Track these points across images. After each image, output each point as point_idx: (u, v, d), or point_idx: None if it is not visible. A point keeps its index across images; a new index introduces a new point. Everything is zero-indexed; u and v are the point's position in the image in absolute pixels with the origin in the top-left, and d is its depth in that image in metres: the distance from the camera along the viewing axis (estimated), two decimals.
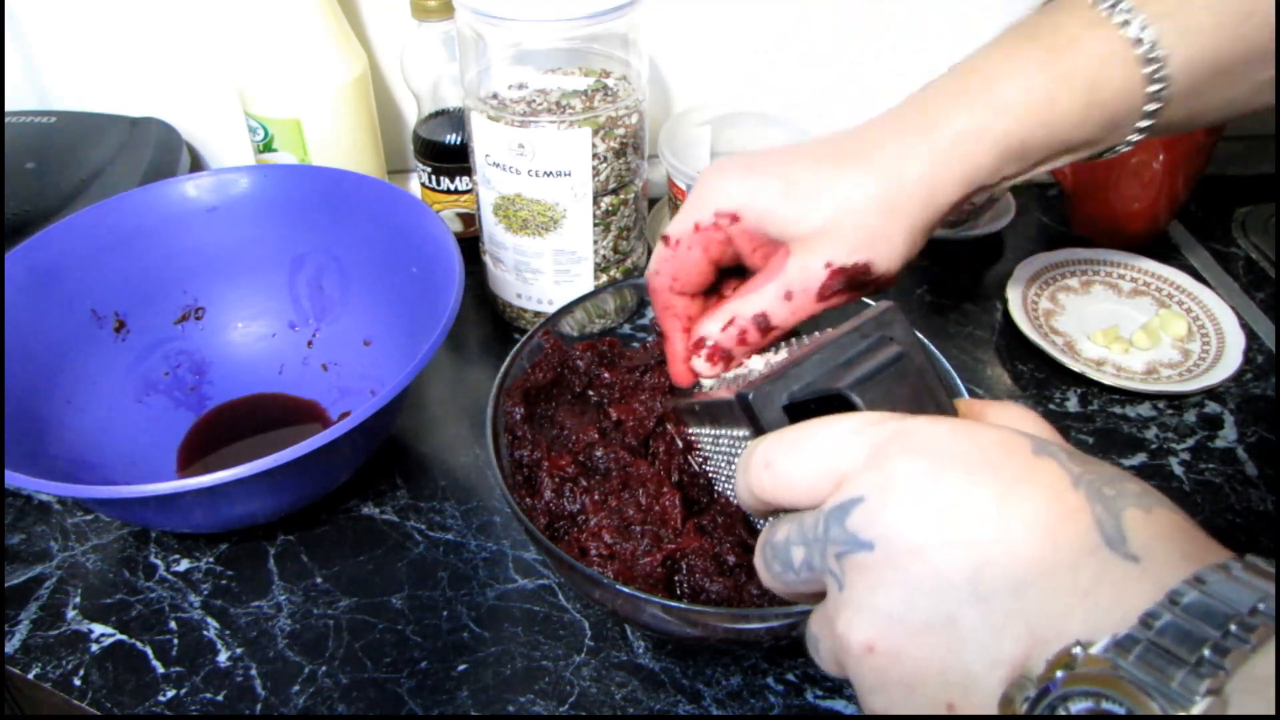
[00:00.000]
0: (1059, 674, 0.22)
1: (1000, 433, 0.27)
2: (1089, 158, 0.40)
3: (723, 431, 0.40)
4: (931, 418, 0.28)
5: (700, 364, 0.41)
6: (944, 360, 0.47)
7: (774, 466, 0.30)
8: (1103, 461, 0.27)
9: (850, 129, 0.40)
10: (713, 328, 0.41)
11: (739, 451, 0.39)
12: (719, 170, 0.40)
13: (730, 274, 0.43)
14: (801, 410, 0.33)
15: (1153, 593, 0.23)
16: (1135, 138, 0.39)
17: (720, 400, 0.38)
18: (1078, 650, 0.22)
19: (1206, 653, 0.21)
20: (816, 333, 0.40)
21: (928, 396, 0.32)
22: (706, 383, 0.42)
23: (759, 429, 0.33)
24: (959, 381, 0.45)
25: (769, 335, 0.40)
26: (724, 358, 0.41)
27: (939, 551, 0.25)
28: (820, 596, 0.30)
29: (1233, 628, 0.21)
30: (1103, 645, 0.22)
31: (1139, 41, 0.36)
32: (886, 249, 0.38)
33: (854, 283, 0.38)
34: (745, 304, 0.40)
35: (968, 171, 0.37)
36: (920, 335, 0.48)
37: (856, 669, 0.27)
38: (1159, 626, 0.22)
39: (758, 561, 0.32)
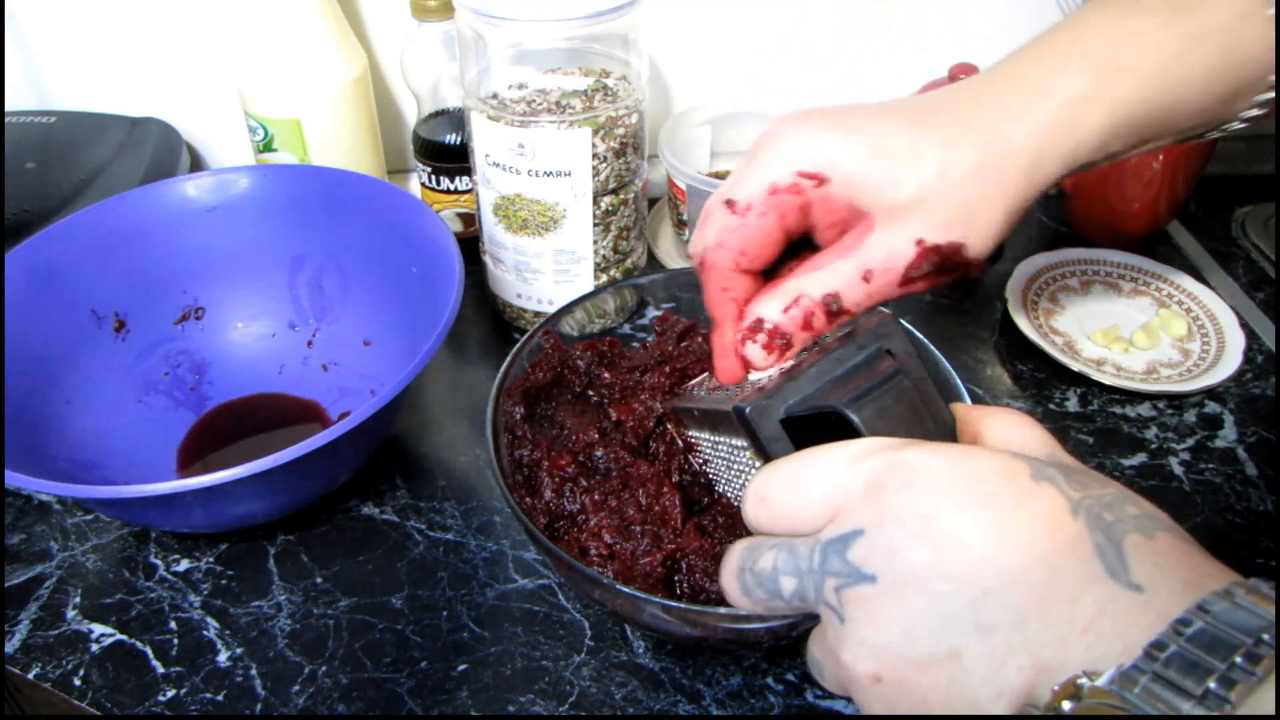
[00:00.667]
0: (1065, 704, 0.22)
1: (997, 459, 0.26)
2: (1182, 140, 0.36)
3: (721, 439, 0.40)
4: (928, 446, 0.27)
5: (754, 350, 0.35)
6: (945, 363, 0.47)
7: (769, 502, 0.29)
8: (1105, 480, 0.27)
9: (934, 92, 0.35)
10: (772, 308, 0.35)
11: (738, 458, 0.39)
12: (797, 122, 0.34)
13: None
14: (799, 423, 0.33)
15: (1156, 622, 0.22)
16: (1254, 113, 0.35)
17: (719, 410, 0.38)
18: (1084, 681, 0.22)
19: (1212, 685, 0.21)
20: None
21: (924, 411, 0.32)
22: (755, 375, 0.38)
23: (756, 441, 0.33)
24: (960, 384, 0.45)
25: (836, 320, 0.35)
26: (782, 346, 0.35)
27: (940, 583, 0.25)
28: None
29: (1238, 659, 0.21)
30: (1108, 677, 0.22)
31: None
32: (983, 226, 0.33)
33: (944, 265, 0.33)
34: (814, 282, 0.34)
35: (1075, 145, 0.33)
36: (923, 339, 0.48)
37: (864, 698, 0.27)
38: (1164, 657, 0.21)
39: (730, 586, 0.31)
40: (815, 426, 0.34)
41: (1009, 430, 0.31)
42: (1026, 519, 0.25)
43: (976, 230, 0.33)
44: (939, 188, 0.32)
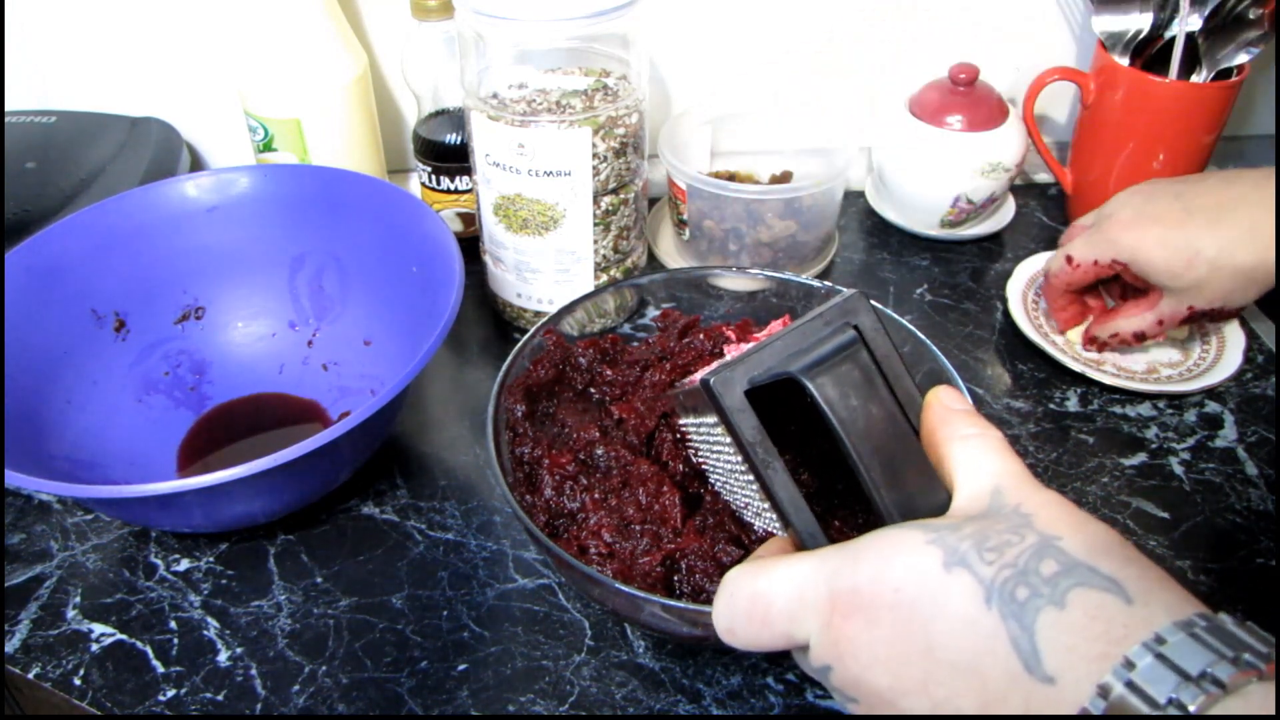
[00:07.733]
0: None
1: (910, 558, 0.28)
2: None
3: (702, 420, 0.41)
4: (855, 559, 0.29)
5: (1091, 352, 0.65)
6: (945, 361, 0.47)
7: (738, 638, 0.32)
8: (1026, 523, 0.28)
9: (1214, 185, 0.56)
10: (1104, 335, 0.63)
11: (716, 439, 0.40)
12: (1124, 225, 0.58)
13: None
14: (762, 393, 0.34)
15: (1072, 710, 0.24)
16: None
17: (693, 388, 0.39)
18: None
19: None
20: (789, 318, 0.41)
21: (882, 382, 0.33)
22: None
23: (722, 413, 0.34)
24: (961, 383, 0.45)
25: (1141, 343, 0.62)
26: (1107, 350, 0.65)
27: (903, 699, 0.28)
28: None
29: None
30: None
31: None
32: (1240, 299, 0.56)
33: (1210, 319, 0.57)
34: (1128, 324, 0.61)
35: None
36: (923, 338, 0.48)
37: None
38: None
39: (727, 630, 0.33)
40: (781, 400, 0.35)
41: (976, 458, 0.31)
42: (947, 625, 0.26)
43: (1233, 301, 0.57)
44: (1209, 281, 0.55)
